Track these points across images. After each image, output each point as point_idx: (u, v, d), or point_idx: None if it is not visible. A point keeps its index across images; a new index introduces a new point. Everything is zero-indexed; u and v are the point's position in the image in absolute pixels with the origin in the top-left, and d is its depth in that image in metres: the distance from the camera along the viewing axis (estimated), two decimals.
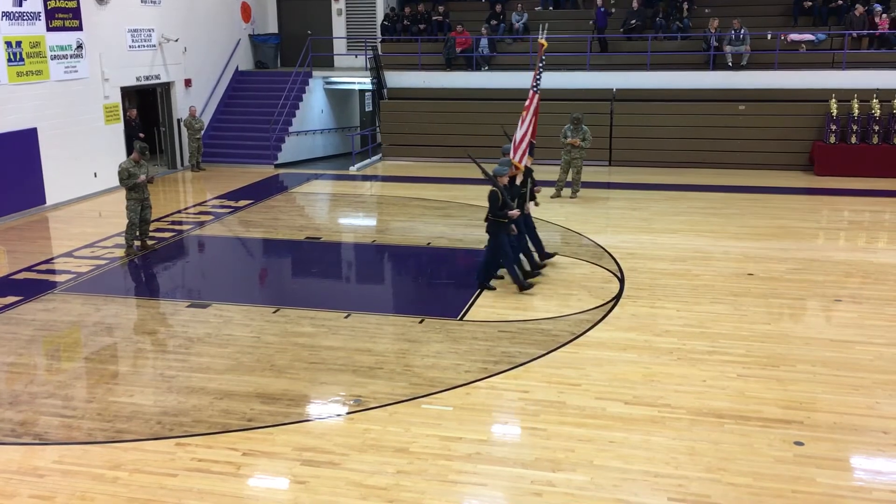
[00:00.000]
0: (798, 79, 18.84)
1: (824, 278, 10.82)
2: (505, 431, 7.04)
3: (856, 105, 17.92)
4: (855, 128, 17.97)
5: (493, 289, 10.48)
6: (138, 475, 6.31)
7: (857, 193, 16.10)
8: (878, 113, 17.76)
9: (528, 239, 11.09)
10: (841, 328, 9.18)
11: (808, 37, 19.61)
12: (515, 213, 10.22)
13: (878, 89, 18.13)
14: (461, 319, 9.61)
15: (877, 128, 17.85)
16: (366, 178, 19.34)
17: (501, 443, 6.83)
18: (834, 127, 18.05)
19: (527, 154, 10.96)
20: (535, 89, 11.22)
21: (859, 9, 19.44)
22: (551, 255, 11.52)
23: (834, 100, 18.08)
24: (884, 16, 19.42)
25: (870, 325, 9.24)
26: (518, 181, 10.78)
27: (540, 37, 11.54)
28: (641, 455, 6.51)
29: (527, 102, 11.21)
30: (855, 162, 17.85)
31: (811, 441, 6.69)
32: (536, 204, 11.26)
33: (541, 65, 11.50)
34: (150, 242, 12.86)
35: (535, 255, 11.24)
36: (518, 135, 10.99)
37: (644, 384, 7.79)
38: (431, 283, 11.57)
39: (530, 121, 11.05)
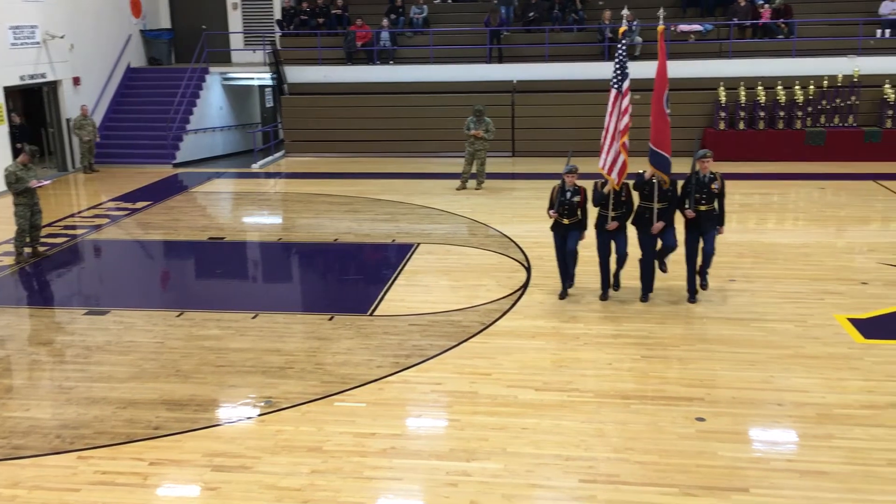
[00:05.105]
0: (688, 68, 19.43)
1: (719, 259, 11.21)
2: (419, 424, 7.06)
3: (742, 93, 18.74)
4: (742, 114, 18.81)
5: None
6: (38, 492, 6.04)
7: (746, 177, 16.81)
8: (763, 100, 18.62)
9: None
10: (736, 307, 9.59)
11: (697, 27, 20.36)
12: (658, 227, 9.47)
13: (762, 77, 19.00)
14: (371, 315, 9.58)
15: (762, 114, 18.71)
16: (269, 175, 19.01)
17: (416, 436, 6.85)
18: (723, 114, 18.84)
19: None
20: (615, 86, 9.51)
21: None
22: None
23: (722, 88, 18.85)
24: (766, 6, 20.35)
25: (762, 302, 9.69)
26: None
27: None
28: (553, 439, 6.65)
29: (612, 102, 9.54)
30: (743, 147, 18.66)
31: (712, 416, 6.98)
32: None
33: (620, 55, 9.60)
34: (41, 249, 12.29)
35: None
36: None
37: (553, 370, 7.95)
38: (340, 280, 11.48)
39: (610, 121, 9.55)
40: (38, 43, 18.18)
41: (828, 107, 18.62)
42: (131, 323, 9.43)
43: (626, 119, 9.55)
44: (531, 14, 20.91)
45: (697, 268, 9.79)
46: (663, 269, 9.99)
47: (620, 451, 6.47)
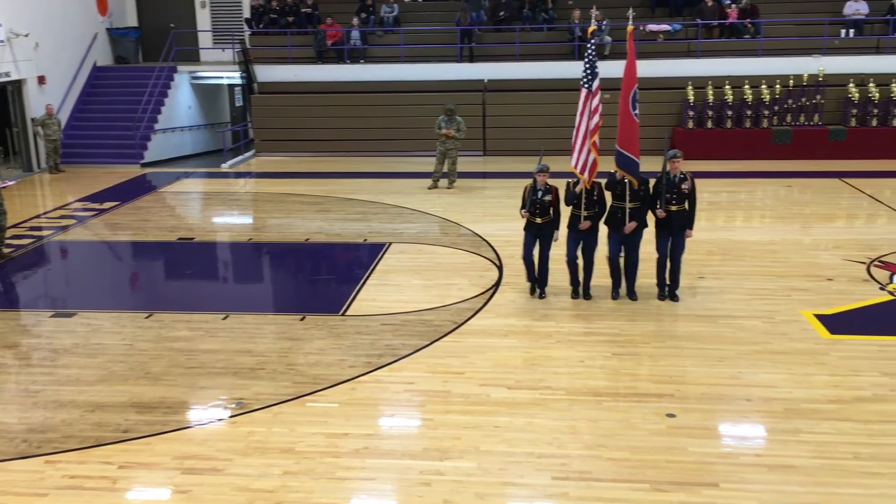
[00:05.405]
0: (656, 67, 19.62)
1: (688, 256, 11.32)
2: (392, 424, 7.05)
3: (710, 92, 18.96)
4: (710, 113, 19.03)
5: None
6: (5, 497, 5.94)
7: (715, 175, 16.98)
8: (730, 99, 18.85)
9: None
10: (704, 304, 9.69)
11: (665, 27, 20.55)
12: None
13: (729, 76, 19.22)
14: (343, 315, 9.54)
15: (730, 113, 18.95)
16: (239, 174, 18.86)
17: (389, 436, 6.84)
18: (692, 113, 19.06)
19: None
20: (585, 85, 9.56)
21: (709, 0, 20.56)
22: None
23: (690, 87, 19.05)
24: (733, 6, 20.60)
25: (730, 299, 9.81)
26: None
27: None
28: (525, 437, 6.67)
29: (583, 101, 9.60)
30: (712, 146, 18.87)
31: (682, 412, 7.05)
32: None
33: (590, 54, 9.61)
34: (6, 251, 12.09)
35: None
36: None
37: (525, 368, 7.98)
38: (312, 280, 11.43)
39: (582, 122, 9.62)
40: (1, 41, 17.86)
41: (794, 106, 18.91)
42: (99, 325, 9.30)
43: (596, 118, 9.60)
44: (502, 13, 20.97)
45: (667, 289, 9.84)
46: (632, 295, 9.83)
47: (592, 447, 6.51)
